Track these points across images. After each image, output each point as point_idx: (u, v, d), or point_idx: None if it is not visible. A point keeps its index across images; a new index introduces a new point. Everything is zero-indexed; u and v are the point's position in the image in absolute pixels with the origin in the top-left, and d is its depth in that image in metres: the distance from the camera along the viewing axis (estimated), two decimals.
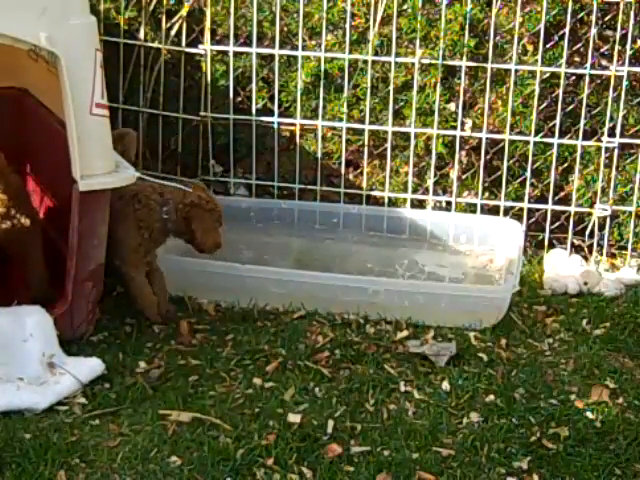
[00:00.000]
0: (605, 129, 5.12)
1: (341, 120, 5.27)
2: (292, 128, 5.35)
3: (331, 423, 3.79)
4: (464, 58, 5.10)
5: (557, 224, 5.28)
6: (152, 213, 4.39)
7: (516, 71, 5.10)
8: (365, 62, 5.18)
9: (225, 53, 5.28)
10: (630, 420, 3.90)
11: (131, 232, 4.37)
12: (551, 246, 5.28)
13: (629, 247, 5.22)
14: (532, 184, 5.27)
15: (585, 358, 4.32)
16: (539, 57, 5.05)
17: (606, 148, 5.11)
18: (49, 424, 3.72)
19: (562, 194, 5.31)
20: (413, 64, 5.14)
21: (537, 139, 5.18)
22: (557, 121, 5.13)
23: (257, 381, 4.06)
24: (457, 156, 5.25)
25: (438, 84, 5.15)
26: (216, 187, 5.43)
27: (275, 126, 5.30)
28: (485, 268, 5.10)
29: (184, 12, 5.27)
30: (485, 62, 5.09)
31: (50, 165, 4.69)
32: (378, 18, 5.11)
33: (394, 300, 4.54)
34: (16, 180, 4.40)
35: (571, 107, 5.21)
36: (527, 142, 5.19)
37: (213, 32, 5.26)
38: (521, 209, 5.26)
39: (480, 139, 5.21)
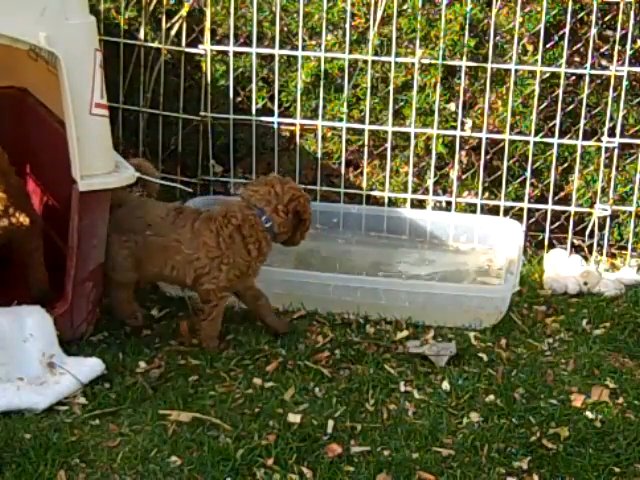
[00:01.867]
0: (605, 129, 5.12)
1: (341, 120, 5.27)
2: (292, 128, 5.35)
3: (331, 423, 3.79)
4: (464, 58, 5.10)
5: (557, 224, 5.28)
6: (255, 226, 4.23)
7: (516, 71, 5.10)
8: (365, 62, 5.18)
9: (225, 53, 5.28)
10: (630, 420, 3.90)
11: (242, 254, 4.22)
12: (551, 246, 5.28)
13: (629, 247, 5.22)
14: (532, 184, 5.27)
15: (585, 358, 4.32)
16: (539, 57, 5.05)
17: (606, 148, 5.11)
18: (49, 424, 3.72)
19: (562, 194, 5.31)
20: (413, 64, 5.14)
21: (537, 139, 5.18)
22: (557, 121, 5.13)
23: (257, 381, 4.06)
24: (457, 156, 5.25)
25: (438, 84, 5.15)
26: (216, 187, 5.44)
27: (275, 126, 5.30)
28: (485, 268, 5.10)
29: (184, 12, 5.27)
30: (485, 62, 5.09)
31: (50, 165, 4.68)
32: (378, 18, 5.11)
33: (394, 300, 4.54)
34: (16, 181, 4.41)
35: (571, 107, 5.21)
36: (527, 142, 5.19)
37: (213, 32, 5.26)
38: (521, 209, 5.26)
39: (480, 139, 5.21)
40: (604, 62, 5.16)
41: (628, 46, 4.98)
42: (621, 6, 4.96)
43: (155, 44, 5.32)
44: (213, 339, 4.29)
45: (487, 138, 5.20)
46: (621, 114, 5.07)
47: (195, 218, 4.26)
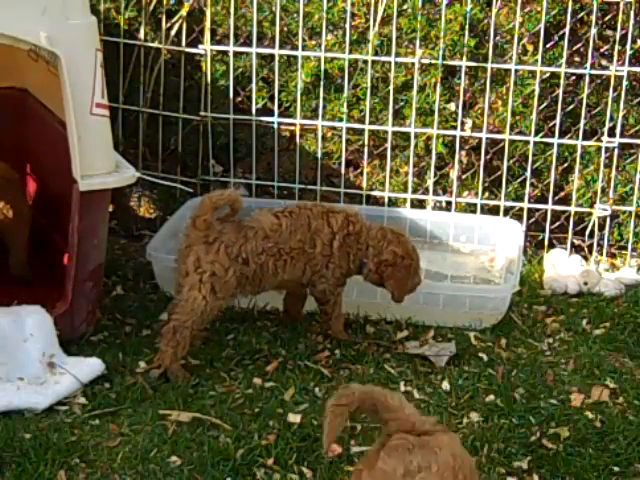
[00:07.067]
0: (605, 129, 5.12)
1: (341, 120, 5.27)
2: (292, 128, 5.35)
3: None
4: (464, 58, 5.10)
5: (557, 224, 5.28)
6: (360, 248, 4.33)
7: (516, 71, 5.10)
8: (365, 62, 5.18)
9: (225, 53, 5.28)
10: (630, 420, 3.90)
11: (346, 259, 4.34)
12: (551, 246, 5.28)
13: (629, 247, 5.22)
14: (532, 184, 5.27)
15: (585, 358, 4.32)
16: (539, 57, 5.05)
17: (606, 148, 5.11)
18: (49, 424, 3.72)
19: (562, 194, 5.31)
20: (413, 64, 5.14)
21: (537, 139, 5.18)
22: (557, 121, 5.13)
23: (257, 381, 4.07)
24: (457, 156, 5.25)
25: (438, 84, 5.15)
26: (216, 187, 5.43)
27: (275, 126, 5.30)
28: (485, 268, 5.10)
29: (184, 12, 5.27)
30: (485, 62, 5.09)
31: (50, 165, 4.69)
32: (378, 18, 5.11)
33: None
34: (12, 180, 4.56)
35: (571, 107, 5.21)
36: (527, 142, 5.19)
37: (213, 32, 5.25)
38: (521, 209, 5.26)
39: (480, 139, 5.21)
40: (604, 62, 5.16)
41: (628, 46, 4.98)
42: (621, 6, 4.96)
43: (155, 44, 5.32)
44: (343, 332, 4.39)
45: (487, 138, 5.20)
46: (621, 114, 5.07)
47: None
